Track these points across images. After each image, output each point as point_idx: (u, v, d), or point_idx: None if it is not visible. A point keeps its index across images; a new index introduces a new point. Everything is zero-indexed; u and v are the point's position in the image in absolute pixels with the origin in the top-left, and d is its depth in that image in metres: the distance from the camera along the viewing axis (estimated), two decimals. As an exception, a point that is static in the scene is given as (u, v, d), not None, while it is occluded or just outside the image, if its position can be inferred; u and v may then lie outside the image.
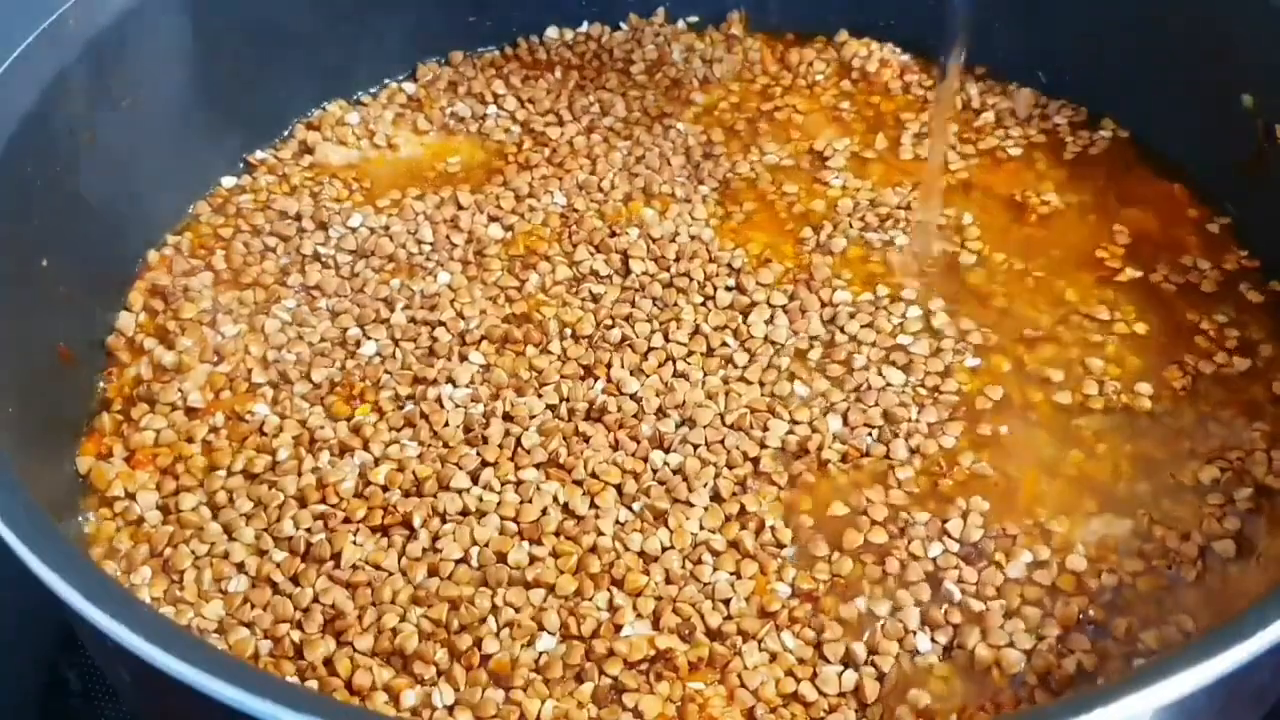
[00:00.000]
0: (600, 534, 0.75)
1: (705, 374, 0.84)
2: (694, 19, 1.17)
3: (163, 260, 0.94)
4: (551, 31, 1.16)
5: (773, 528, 0.76)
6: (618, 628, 0.71)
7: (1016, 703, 0.68)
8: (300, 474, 0.79)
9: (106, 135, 0.88)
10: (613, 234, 0.94)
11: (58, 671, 0.88)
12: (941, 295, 0.90)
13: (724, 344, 0.86)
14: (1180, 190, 0.98)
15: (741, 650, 0.70)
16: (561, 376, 0.84)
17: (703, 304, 0.89)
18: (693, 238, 0.94)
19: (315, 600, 0.72)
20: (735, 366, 0.85)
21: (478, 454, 0.79)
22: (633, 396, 0.82)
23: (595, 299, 0.90)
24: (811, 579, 0.73)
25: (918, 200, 0.96)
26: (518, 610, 0.71)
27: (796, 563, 0.74)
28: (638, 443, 0.80)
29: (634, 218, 0.96)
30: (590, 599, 0.72)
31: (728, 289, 0.90)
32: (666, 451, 0.79)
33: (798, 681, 0.69)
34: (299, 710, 0.51)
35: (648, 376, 0.84)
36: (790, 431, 0.81)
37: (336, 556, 0.74)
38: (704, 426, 0.81)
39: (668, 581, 0.73)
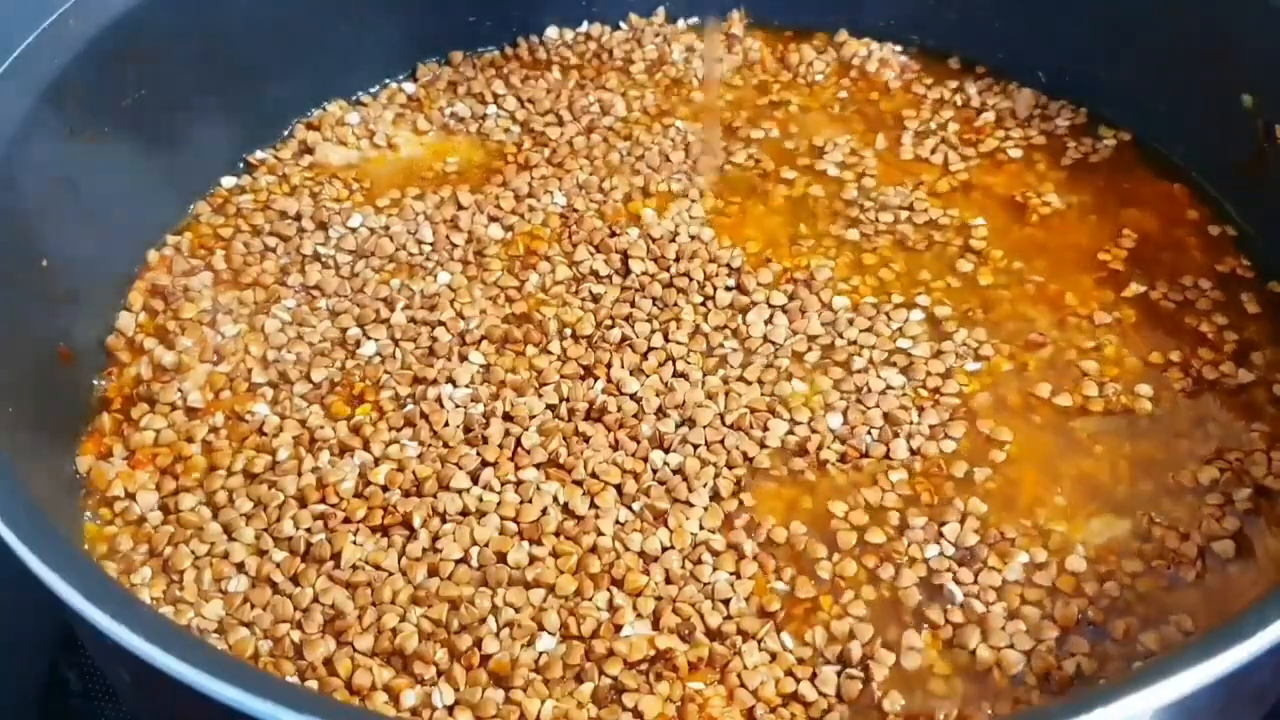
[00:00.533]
0: (600, 534, 0.75)
1: (705, 374, 0.84)
2: (694, 19, 1.17)
3: (163, 260, 0.94)
4: (551, 31, 1.16)
5: (772, 528, 0.76)
6: (618, 628, 0.71)
7: (1016, 703, 0.68)
8: (300, 474, 0.79)
9: (106, 135, 0.88)
10: (613, 234, 0.94)
11: (58, 671, 0.87)
12: (941, 297, 0.90)
13: (723, 344, 0.86)
14: (1180, 190, 0.98)
15: (741, 650, 0.70)
16: (561, 376, 0.84)
17: (702, 304, 0.89)
18: (692, 237, 0.94)
19: (315, 600, 0.72)
20: (735, 366, 0.85)
21: (478, 454, 0.79)
22: (633, 396, 0.82)
23: (595, 299, 0.90)
24: (811, 579, 0.73)
25: (702, 129, 1.05)
26: (518, 610, 0.71)
27: (796, 563, 0.74)
28: (638, 443, 0.80)
29: (634, 217, 0.96)
30: (590, 599, 0.72)
31: (727, 289, 0.90)
32: (666, 451, 0.79)
33: (797, 681, 0.69)
34: (299, 710, 0.51)
35: (648, 376, 0.84)
36: (790, 431, 0.81)
37: (336, 556, 0.74)
38: (704, 426, 0.81)
39: (668, 581, 0.73)
